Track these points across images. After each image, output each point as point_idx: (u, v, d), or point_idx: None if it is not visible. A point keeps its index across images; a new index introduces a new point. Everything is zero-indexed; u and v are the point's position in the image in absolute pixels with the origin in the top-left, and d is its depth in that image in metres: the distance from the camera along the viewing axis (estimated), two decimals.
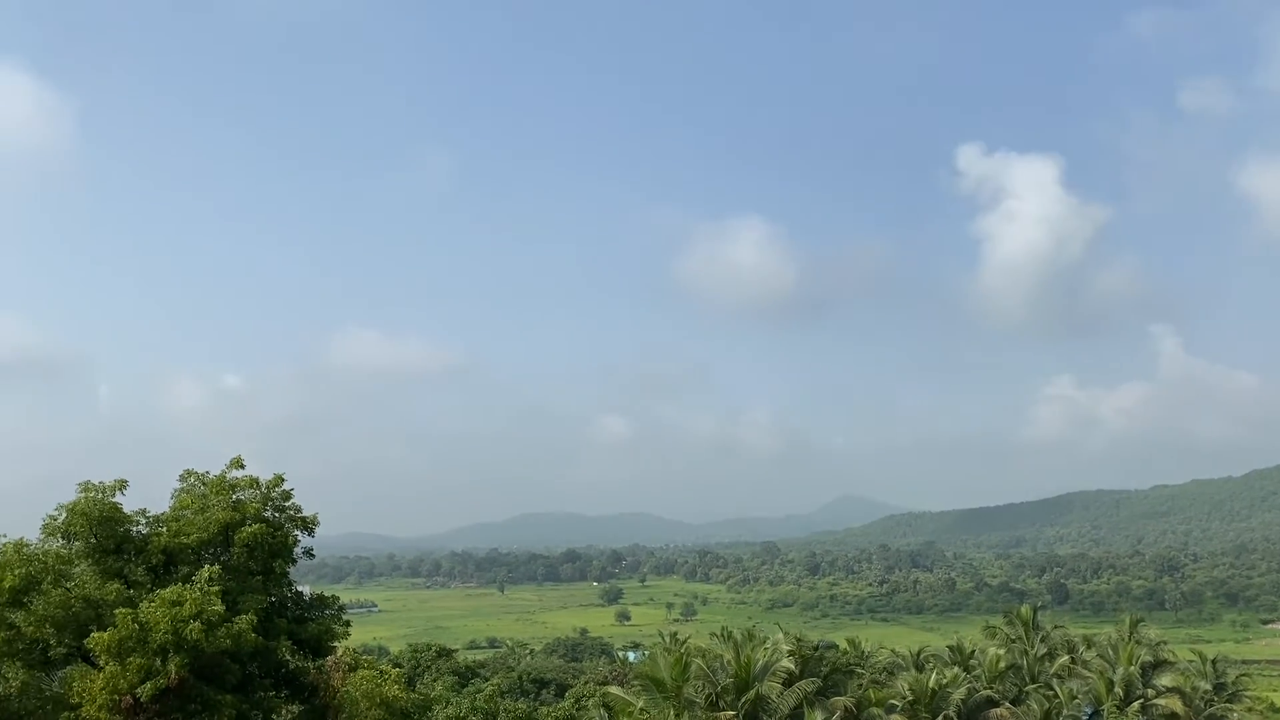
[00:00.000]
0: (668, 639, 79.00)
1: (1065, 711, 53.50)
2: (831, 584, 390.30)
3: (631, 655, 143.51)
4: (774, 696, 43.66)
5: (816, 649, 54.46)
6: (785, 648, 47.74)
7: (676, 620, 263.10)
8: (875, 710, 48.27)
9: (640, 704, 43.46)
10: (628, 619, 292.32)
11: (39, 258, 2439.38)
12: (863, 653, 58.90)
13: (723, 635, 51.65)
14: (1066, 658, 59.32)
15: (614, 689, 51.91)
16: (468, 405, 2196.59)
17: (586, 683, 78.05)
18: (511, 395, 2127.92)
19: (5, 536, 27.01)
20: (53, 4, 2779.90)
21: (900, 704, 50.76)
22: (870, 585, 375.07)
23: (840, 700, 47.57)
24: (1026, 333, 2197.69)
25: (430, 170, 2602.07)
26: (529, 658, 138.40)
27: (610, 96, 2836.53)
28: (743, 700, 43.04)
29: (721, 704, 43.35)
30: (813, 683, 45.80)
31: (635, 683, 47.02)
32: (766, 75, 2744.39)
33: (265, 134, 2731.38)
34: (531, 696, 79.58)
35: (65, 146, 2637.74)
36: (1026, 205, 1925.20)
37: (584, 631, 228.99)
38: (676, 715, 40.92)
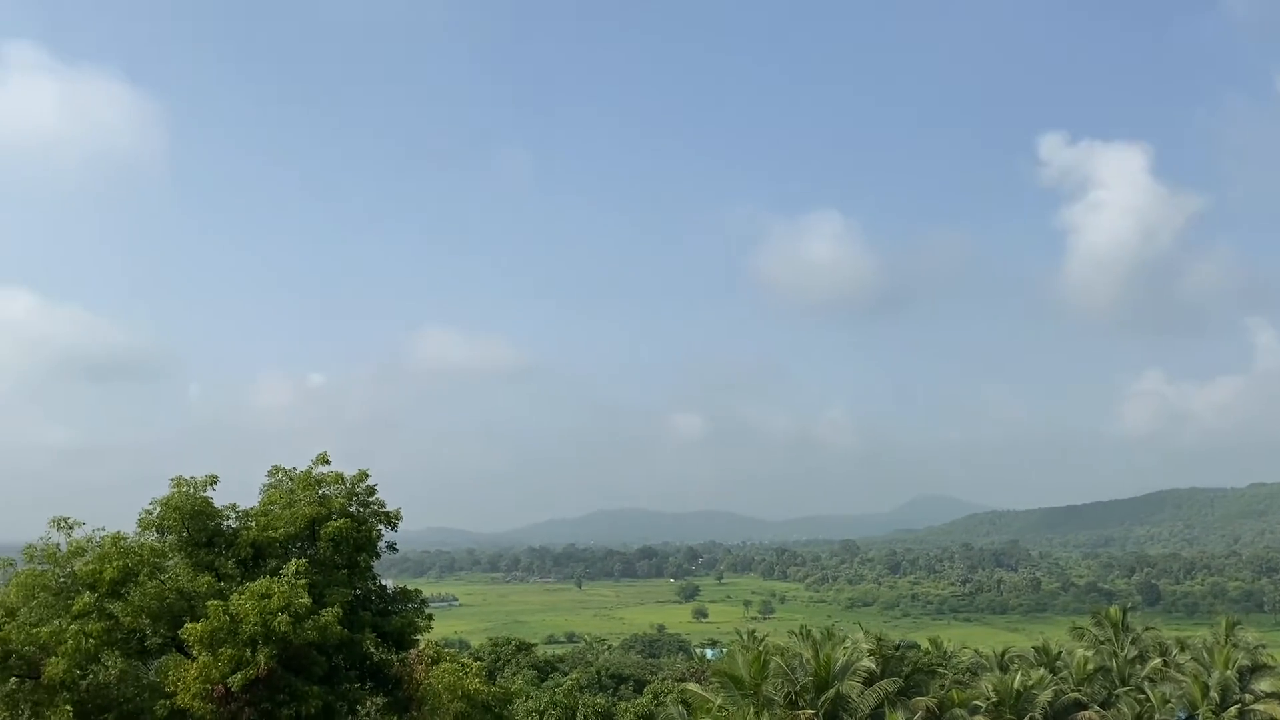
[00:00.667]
0: (745, 637, 78.71)
1: (1158, 716, 51.88)
2: (912, 583, 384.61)
3: (709, 652, 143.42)
4: (854, 696, 43.15)
5: (898, 648, 53.73)
6: (865, 647, 47.17)
7: (754, 618, 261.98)
8: (958, 711, 47.43)
9: (719, 701, 43.31)
10: (705, 616, 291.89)
11: (132, 262, 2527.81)
12: (945, 653, 57.90)
13: (801, 633, 51.23)
14: (1159, 660, 57.53)
15: (692, 686, 51.84)
16: (544, 403, 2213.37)
17: (664, 679, 78.14)
18: (587, 393, 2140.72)
19: (104, 530, 27.99)
20: (144, 13, 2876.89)
21: (984, 705, 49.77)
22: (952, 584, 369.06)
23: (922, 700, 46.86)
24: (1113, 326, 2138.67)
25: (508, 169, 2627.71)
26: (607, 653, 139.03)
27: (681, 92, 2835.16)
28: (822, 699, 42.62)
29: (801, 702, 42.98)
30: (894, 682, 45.18)
31: (713, 680, 46.91)
32: (840, 65, 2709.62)
33: (347, 136, 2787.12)
34: (610, 692, 79.95)
35: (156, 152, 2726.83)
36: (1113, 195, 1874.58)
37: (661, 628, 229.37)
38: (755, 713, 40.67)
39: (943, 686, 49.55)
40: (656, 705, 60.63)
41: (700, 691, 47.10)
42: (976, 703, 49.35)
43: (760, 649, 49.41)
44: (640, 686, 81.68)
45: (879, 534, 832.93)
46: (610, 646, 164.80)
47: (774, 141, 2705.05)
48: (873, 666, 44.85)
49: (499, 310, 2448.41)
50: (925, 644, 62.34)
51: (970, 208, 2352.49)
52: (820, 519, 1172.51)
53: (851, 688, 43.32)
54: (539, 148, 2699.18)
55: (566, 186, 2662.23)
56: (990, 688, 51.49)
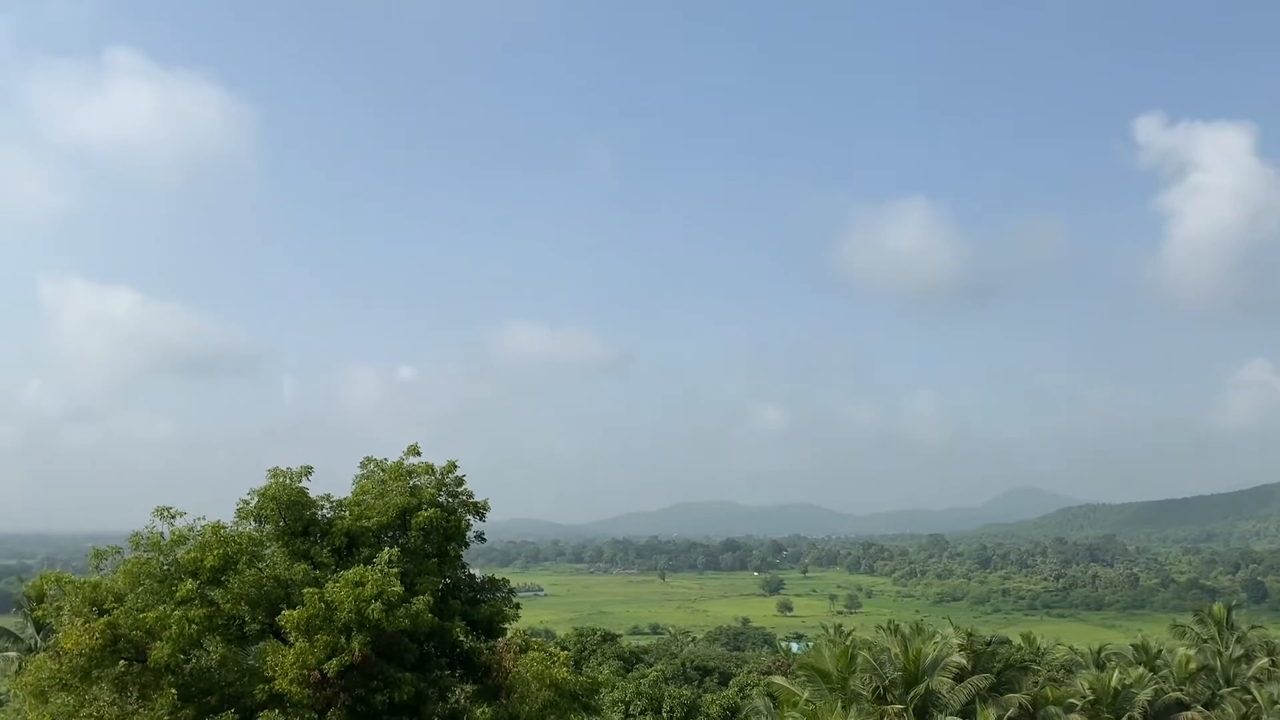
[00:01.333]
0: (831, 631, 78.00)
1: (1265, 717, 49.85)
2: (1003, 578, 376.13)
3: (794, 646, 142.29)
4: (944, 691, 42.38)
5: (989, 644, 52.62)
6: (956, 642, 46.34)
7: (840, 612, 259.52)
8: (1053, 709, 46.30)
9: (805, 695, 42.94)
10: (790, 610, 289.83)
11: (229, 259, 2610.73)
12: (1038, 649, 56.48)
13: (889, 628, 50.57)
14: (1266, 660, 55.29)
15: (778, 679, 51.54)
16: (626, 396, 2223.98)
17: (750, 672, 77.82)
18: (668, 385, 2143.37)
19: (205, 519, 28.83)
20: (236, 19, 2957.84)
21: (1080, 703, 48.44)
22: (1045, 580, 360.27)
23: (1015, 697, 45.86)
24: (1215, 314, 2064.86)
25: (592, 167, 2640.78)
26: (691, 645, 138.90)
27: (761, 83, 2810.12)
28: (911, 694, 41.95)
29: (889, 697, 42.38)
30: (985, 678, 44.29)
31: (800, 673, 46.54)
32: (926, 49, 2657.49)
33: (434, 135, 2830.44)
34: (695, 684, 79.95)
35: (250, 154, 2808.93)
36: (1215, 178, 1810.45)
37: (745, 621, 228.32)
38: (843, 707, 40.22)
39: (1036, 684, 48.41)
40: (742, 698, 60.43)
41: (786, 685, 46.78)
42: (1072, 700, 48.07)
43: (847, 643, 48.91)
44: (725, 679, 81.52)
45: (968, 528, 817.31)
46: (694, 639, 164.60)
47: (858, 130, 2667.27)
48: (963, 662, 44.02)
49: (584, 304, 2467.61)
50: (1018, 640, 60.85)
51: (1064, 193, 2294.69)
52: (907, 513, 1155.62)
53: (941, 683, 42.56)
54: (622, 145, 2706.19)
55: (650, 182, 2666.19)
56: (1086, 686, 50.06)
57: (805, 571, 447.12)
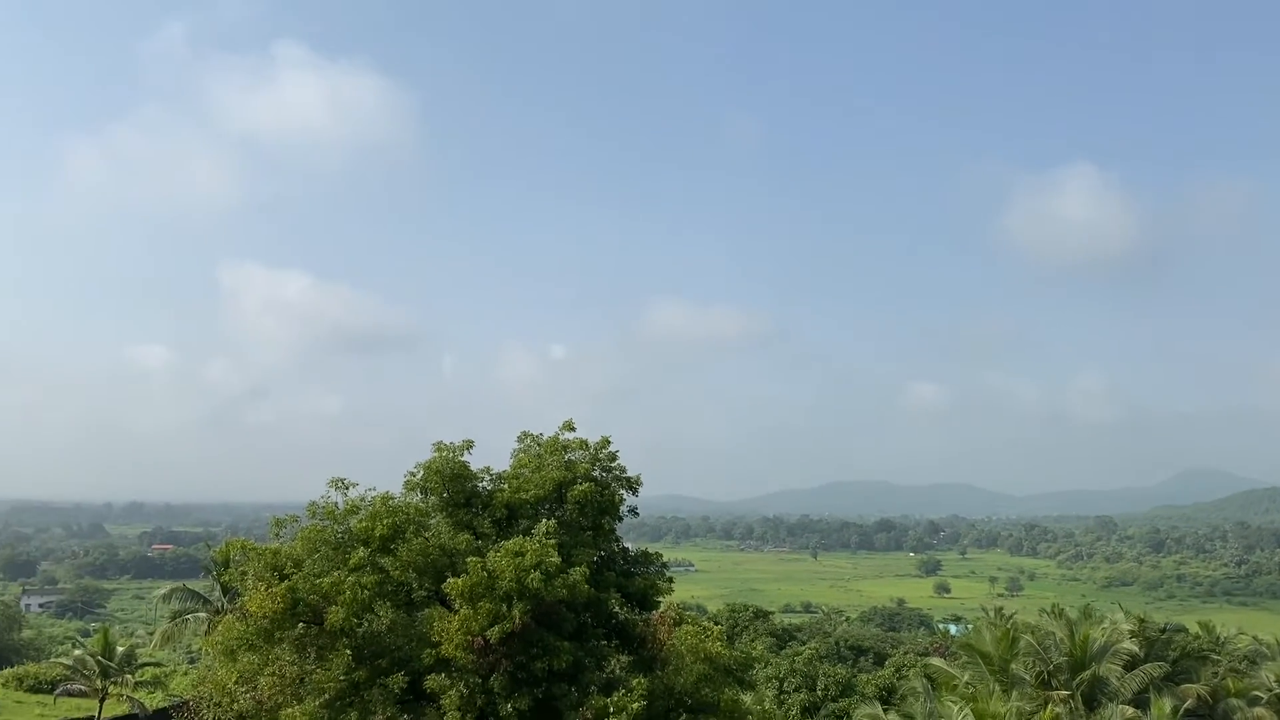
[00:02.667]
0: (992, 613, 75.67)
1: None
2: (1178, 563, 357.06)
3: (952, 628, 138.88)
4: (1114, 679, 40.66)
5: (1163, 631, 50.12)
6: (1126, 628, 44.36)
7: (1000, 595, 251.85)
8: (1234, 701, 43.79)
9: (965, 678, 41.94)
10: (947, 591, 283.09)
11: (390, 241, 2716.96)
12: (1218, 638, 53.43)
13: (1054, 612, 48.72)
14: None
15: (936, 660, 50.46)
16: (778, 372, 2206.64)
17: (906, 653, 76.45)
18: (821, 362, 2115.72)
19: (375, 490, 30.19)
20: (392, 9, 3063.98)
21: (1265, 696, 45.62)
22: (1225, 566, 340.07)
23: (1192, 688, 43.60)
24: None
25: (741, 142, 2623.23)
26: (845, 624, 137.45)
27: (915, 50, 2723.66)
28: (1078, 680, 40.41)
29: (1054, 683, 40.94)
30: (1159, 667, 42.24)
31: (959, 654, 45.46)
32: (1090, 5, 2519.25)
33: (582, 115, 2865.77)
34: (849, 663, 79.09)
35: (409, 140, 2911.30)
36: None
37: (901, 602, 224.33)
38: (1004, 691, 39.06)
39: (1216, 674, 45.87)
40: (899, 678, 59.44)
41: (945, 667, 45.79)
42: (1256, 693, 45.34)
43: (1009, 626, 47.41)
44: (881, 659, 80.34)
45: (1139, 510, 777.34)
46: (848, 618, 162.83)
47: (1016, 93, 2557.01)
48: (1135, 649, 42.09)
49: (734, 281, 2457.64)
50: (1194, 628, 57.67)
51: (1247, 154, 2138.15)
52: (1072, 494, 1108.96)
53: (1111, 670, 40.84)
54: (770, 118, 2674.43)
55: (799, 153, 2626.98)
56: (1273, 678, 47.07)
57: (964, 553, 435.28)
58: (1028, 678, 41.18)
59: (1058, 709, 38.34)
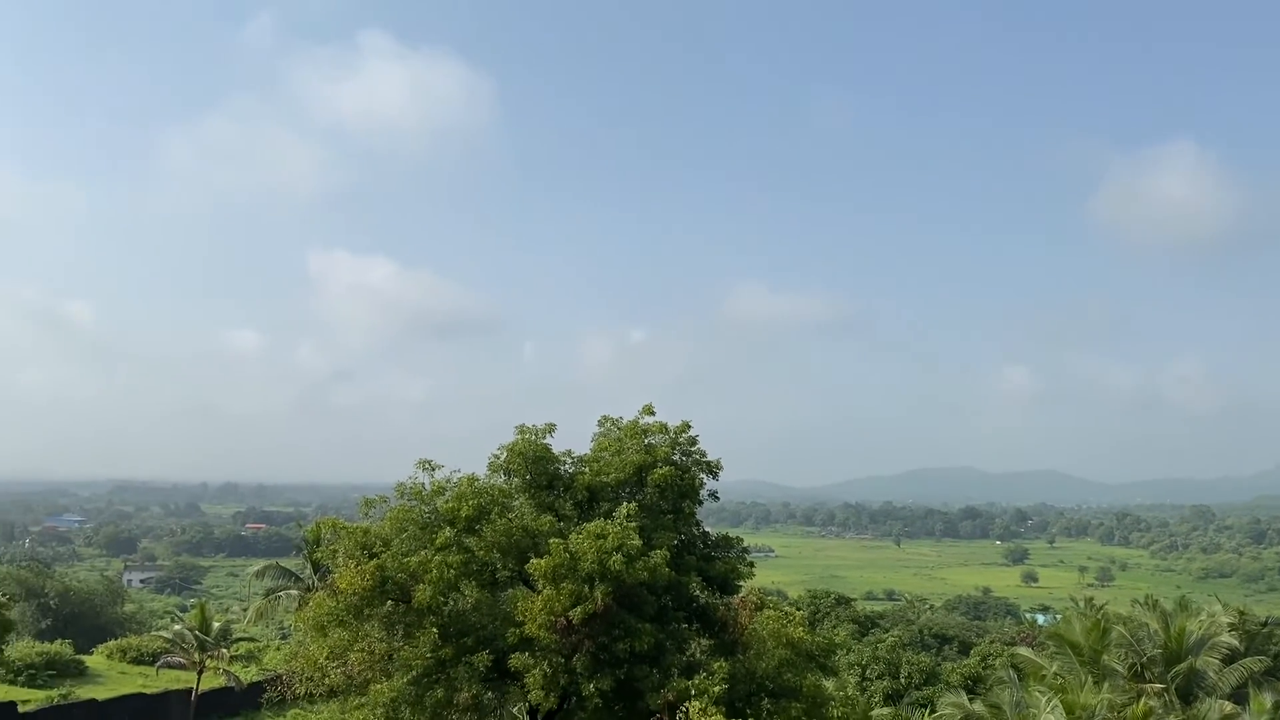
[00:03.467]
0: (1082, 603, 73.79)
1: None
2: None
3: (1040, 618, 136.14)
4: (1211, 672, 39.37)
5: (1264, 625, 48.34)
6: (1225, 620, 42.80)
7: (1090, 585, 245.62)
8: None
9: (1054, 668, 41.00)
10: (1034, 580, 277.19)
11: (470, 227, 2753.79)
12: None
13: (1147, 603, 47.30)
14: None
15: (1023, 650, 49.44)
16: (860, 356, 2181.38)
17: (992, 642, 75.11)
18: (905, 345, 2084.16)
19: (459, 472, 30.71)
20: None
21: None
22: None
23: None
24: None
25: (822, 120, 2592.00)
26: (929, 612, 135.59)
27: (1009, 19, 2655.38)
28: (1173, 673, 39.23)
29: (1147, 675, 39.79)
30: (1260, 661, 40.73)
31: (1047, 644, 44.49)
32: None
33: (660, 97, 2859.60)
34: (933, 651, 78.06)
35: (490, 125, 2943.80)
36: None
37: (987, 590, 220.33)
38: (1095, 683, 38.10)
39: None
40: (985, 668, 58.45)
41: (1033, 657, 44.82)
42: None
43: (1099, 616, 46.17)
44: (966, 648, 79.10)
45: (1239, 499, 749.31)
46: (932, 606, 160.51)
47: (1110, 70, 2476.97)
48: (1234, 642, 40.63)
49: (815, 263, 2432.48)
50: None
51: None
52: (1166, 482, 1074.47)
53: (1208, 663, 39.54)
54: (856, 100, 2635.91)
55: (885, 135, 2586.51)
56: None
57: (1052, 542, 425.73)
58: (1120, 669, 40.11)
59: (1151, 702, 37.24)
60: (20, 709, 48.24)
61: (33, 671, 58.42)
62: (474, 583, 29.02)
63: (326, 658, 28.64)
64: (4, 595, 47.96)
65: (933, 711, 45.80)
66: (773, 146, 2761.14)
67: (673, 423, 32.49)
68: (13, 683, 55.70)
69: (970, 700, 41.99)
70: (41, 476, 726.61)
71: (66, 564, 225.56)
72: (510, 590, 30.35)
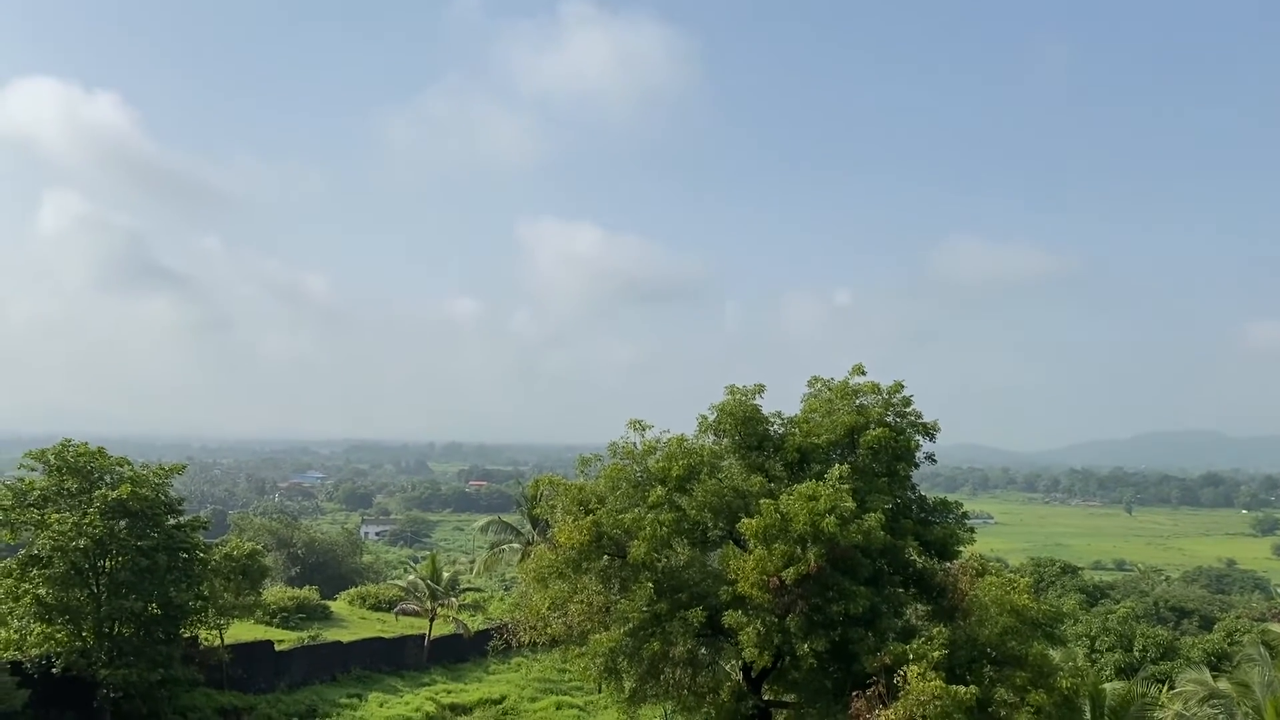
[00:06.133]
0: None
1: None
2: None
3: None
4: None
5: None
6: None
7: None
8: None
9: None
10: None
11: (674, 191, 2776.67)
12: None
13: None
14: None
15: (1275, 626, 45.63)
16: (1086, 313, 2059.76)
17: (1239, 617, 69.68)
18: (1138, 300, 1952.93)
19: (669, 432, 31.14)
20: None
21: None
22: None
23: None
24: None
25: (1041, 67, 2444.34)
26: (1164, 584, 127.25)
27: None
28: None
29: None
30: None
31: None
32: None
33: (866, 52, 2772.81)
34: (1170, 625, 73.24)
35: (693, 86, 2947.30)
36: None
37: (1231, 562, 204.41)
38: None
39: None
40: (1231, 644, 54.30)
41: None
42: None
43: None
44: (1208, 623, 73.75)
45: None
46: (1168, 578, 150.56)
47: None
48: None
49: (1036, 215, 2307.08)
50: None
51: None
52: None
53: None
54: (1079, 40, 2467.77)
55: (1107, 75, 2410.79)
56: None
57: None
58: None
59: None
60: (276, 648, 52.98)
61: (285, 614, 63.97)
62: (685, 540, 29.48)
63: (548, 608, 29.89)
64: (260, 545, 52.60)
65: (1171, 688, 42.94)
66: (991, 96, 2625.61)
67: (884, 383, 31.71)
68: (269, 624, 61.18)
69: (1214, 678, 39.12)
70: (286, 436, 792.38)
71: (311, 517, 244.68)
72: (721, 549, 30.62)
